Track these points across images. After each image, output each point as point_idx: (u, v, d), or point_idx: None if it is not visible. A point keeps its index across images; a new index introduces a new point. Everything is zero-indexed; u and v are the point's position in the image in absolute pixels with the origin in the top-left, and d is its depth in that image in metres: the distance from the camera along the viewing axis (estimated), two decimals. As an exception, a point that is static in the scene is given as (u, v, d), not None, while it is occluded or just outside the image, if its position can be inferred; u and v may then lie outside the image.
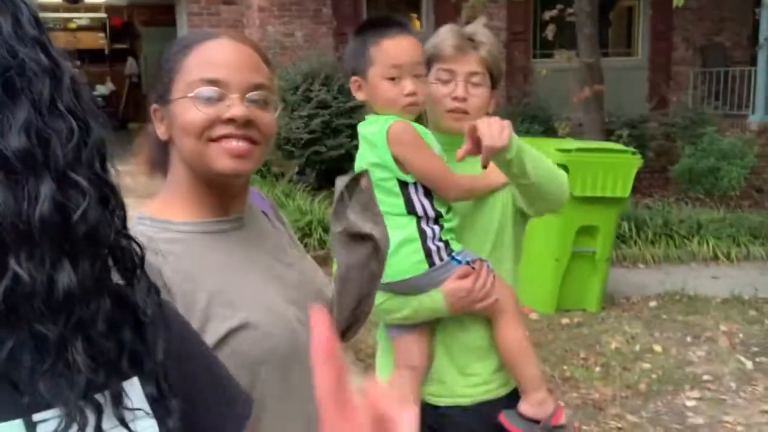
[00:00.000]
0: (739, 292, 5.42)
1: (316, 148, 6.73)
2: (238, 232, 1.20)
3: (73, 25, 13.05)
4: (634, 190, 4.90)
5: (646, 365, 4.20)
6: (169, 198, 1.19)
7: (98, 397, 0.63)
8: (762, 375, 4.09)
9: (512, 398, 1.80)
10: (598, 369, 4.14)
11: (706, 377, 4.06)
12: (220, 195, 1.17)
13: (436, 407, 1.73)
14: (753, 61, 9.21)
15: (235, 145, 1.11)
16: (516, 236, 1.76)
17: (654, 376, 4.06)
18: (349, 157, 6.96)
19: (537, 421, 1.68)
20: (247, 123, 1.11)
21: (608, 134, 7.42)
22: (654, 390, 3.91)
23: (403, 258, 1.61)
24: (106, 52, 14.26)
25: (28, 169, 0.61)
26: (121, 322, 0.68)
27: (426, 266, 1.63)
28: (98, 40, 14.48)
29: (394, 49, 1.55)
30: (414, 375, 1.68)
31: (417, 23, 9.31)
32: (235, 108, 1.09)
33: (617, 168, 4.68)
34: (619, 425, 3.54)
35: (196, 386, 0.77)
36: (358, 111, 6.78)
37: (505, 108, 8.83)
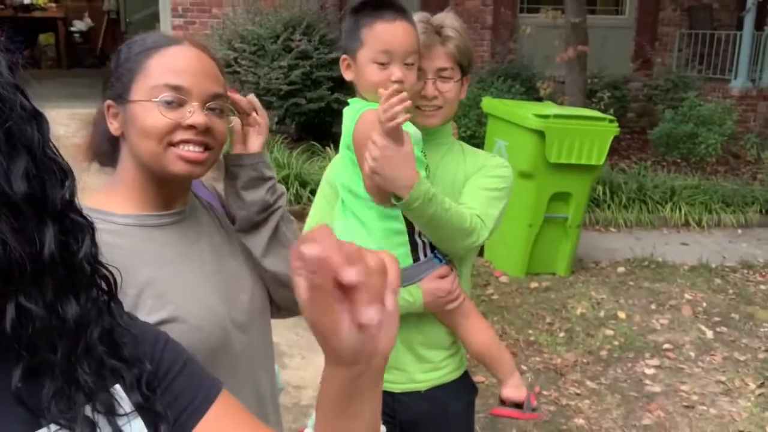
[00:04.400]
0: (707, 260, 5.53)
1: (295, 100, 6.64)
2: (178, 225, 1.24)
3: (50, -43, 12.61)
4: (612, 151, 4.90)
5: (609, 332, 4.30)
6: (114, 190, 1.23)
7: (95, 407, 0.70)
8: (721, 345, 4.21)
9: (462, 382, 1.86)
10: (562, 334, 4.23)
11: (666, 345, 4.17)
12: (166, 191, 1.22)
13: (392, 393, 1.77)
14: (739, 25, 9.17)
15: (192, 152, 1.17)
16: None
17: (616, 342, 4.17)
18: (330, 111, 6.93)
19: (520, 405, 1.79)
20: (206, 130, 1.17)
21: (590, 95, 7.41)
22: (615, 357, 4.02)
23: (390, 249, 1.59)
24: (85, -15, 13.85)
25: (33, 211, 0.65)
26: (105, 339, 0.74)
27: (411, 260, 1.63)
28: (77, -27, 14.04)
29: (387, 33, 1.51)
30: None
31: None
32: (196, 116, 1.16)
33: (594, 136, 4.68)
34: (578, 391, 3.65)
35: (173, 380, 0.83)
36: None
37: (489, 64, 8.77)
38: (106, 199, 1.21)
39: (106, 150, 1.25)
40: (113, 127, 1.20)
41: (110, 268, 0.76)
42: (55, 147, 0.70)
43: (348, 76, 1.59)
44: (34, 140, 0.66)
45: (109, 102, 1.20)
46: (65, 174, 0.69)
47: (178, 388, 0.82)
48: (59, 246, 0.67)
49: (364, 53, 1.53)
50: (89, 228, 0.72)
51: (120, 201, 1.20)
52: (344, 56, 1.58)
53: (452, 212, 1.56)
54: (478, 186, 1.70)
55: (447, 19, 1.69)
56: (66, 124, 7.39)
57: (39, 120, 0.68)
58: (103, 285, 0.75)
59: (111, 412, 0.71)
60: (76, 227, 0.70)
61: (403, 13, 1.54)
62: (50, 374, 0.67)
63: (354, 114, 1.55)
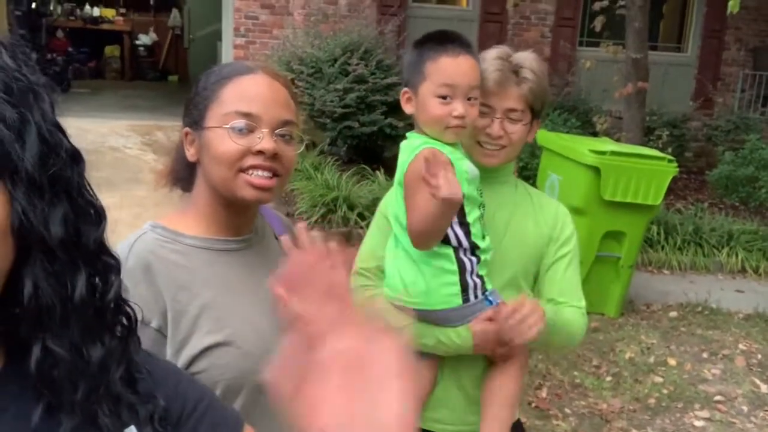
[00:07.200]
0: (764, 309, 5.32)
1: (349, 123, 6.67)
2: (243, 252, 1.27)
3: (120, -28, 13.07)
4: (668, 191, 4.76)
5: (659, 379, 4.15)
6: (187, 212, 1.28)
7: None
8: (776, 401, 4.03)
9: (515, 426, 1.79)
10: (609, 378, 4.10)
11: (718, 397, 4.01)
12: (235, 216, 1.26)
13: None
14: (806, 68, 8.92)
15: (260, 178, 1.19)
16: (529, 286, 1.73)
17: (665, 391, 4.02)
18: (382, 135, 6.95)
19: None
20: (274, 156, 1.19)
21: (648, 132, 7.26)
22: (663, 406, 3.88)
23: (439, 288, 1.57)
24: (152, 1, 14.27)
25: (68, 256, 0.65)
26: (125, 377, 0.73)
27: (460, 301, 1.57)
28: (144, -11, 14.49)
29: (451, 68, 1.48)
30: (417, 401, 1.67)
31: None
32: (265, 141, 1.18)
33: (651, 175, 4.58)
34: (624, 440, 3.52)
35: (201, 417, 0.83)
36: (395, 88, 6.70)
37: (544, 95, 8.68)
38: (178, 220, 1.25)
39: (185, 175, 1.29)
40: (190, 153, 1.24)
41: (132, 305, 0.76)
42: (89, 185, 0.70)
43: (408, 109, 1.57)
44: (73, 184, 0.67)
45: (186, 129, 1.25)
46: (99, 216, 0.70)
47: (205, 426, 0.82)
48: (90, 289, 0.67)
49: (427, 87, 1.51)
50: (117, 268, 0.72)
51: (190, 223, 1.25)
52: (405, 89, 1.56)
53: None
54: (570, 270, 1.73)
55: (527, 59, 1.64)
56: (125, 135, 7.62)
57: (77, 160, 0.68)
58: (125, 321, 0.75)
59: None
60: (107, 268, 0.70)
61: (467, 47, 1.52)
62: (69, 411, 0.66)
63: (411, 150, 1.52)
